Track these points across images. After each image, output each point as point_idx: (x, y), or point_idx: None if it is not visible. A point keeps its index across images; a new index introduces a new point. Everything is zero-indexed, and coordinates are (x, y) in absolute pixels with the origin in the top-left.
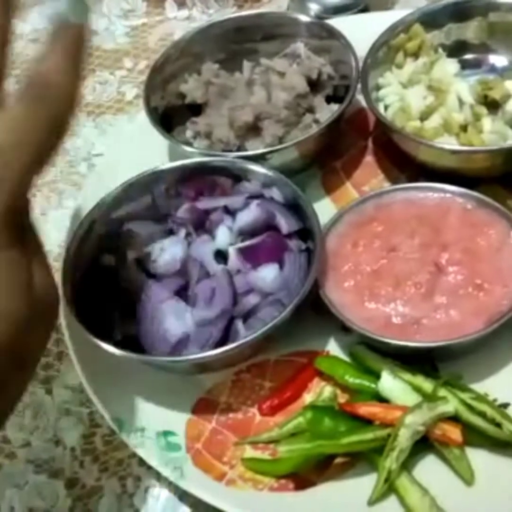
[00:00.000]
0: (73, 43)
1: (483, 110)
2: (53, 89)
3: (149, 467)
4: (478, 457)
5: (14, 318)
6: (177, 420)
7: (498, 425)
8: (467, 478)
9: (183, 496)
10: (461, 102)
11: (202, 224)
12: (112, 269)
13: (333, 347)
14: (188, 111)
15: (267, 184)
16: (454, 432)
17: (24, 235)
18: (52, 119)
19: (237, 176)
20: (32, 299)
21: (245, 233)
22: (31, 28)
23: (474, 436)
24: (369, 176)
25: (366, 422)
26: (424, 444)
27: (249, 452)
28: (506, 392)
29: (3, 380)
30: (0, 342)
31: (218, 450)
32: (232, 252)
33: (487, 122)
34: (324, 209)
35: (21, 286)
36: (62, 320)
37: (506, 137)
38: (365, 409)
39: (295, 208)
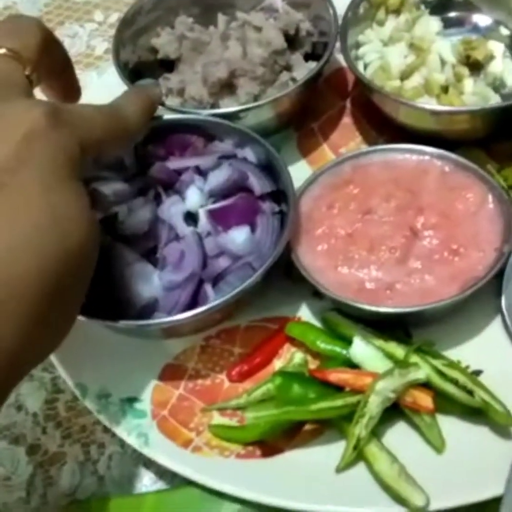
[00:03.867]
0: (148, 97)
1: (465, 70)
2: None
3: (114, 434)
4: (449, 425)
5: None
6: (143, 386)
7: (470, 392)
8: (438, 445)
9: (148, 463)
10: (442, 62)
11: (172, 185)
12: None
13: (305, 313)
14: (160, 67)
15: (241, 144)
16: (425, 399)
17: None
18: (117, 129)
19: (209, 135)
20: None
21: (216, 195)
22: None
23: (446, 404)
24: (346, 138)
25: (337, 388)
26: (394, 411)
27: (217, 419)
28: (479, 359)
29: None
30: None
31: (184, 416)
32: (202, 213)
33: (469, 83)
34: (300, 171)
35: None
36: None
37: (487, 99)
38: (336, 375)
39: (269, 169)
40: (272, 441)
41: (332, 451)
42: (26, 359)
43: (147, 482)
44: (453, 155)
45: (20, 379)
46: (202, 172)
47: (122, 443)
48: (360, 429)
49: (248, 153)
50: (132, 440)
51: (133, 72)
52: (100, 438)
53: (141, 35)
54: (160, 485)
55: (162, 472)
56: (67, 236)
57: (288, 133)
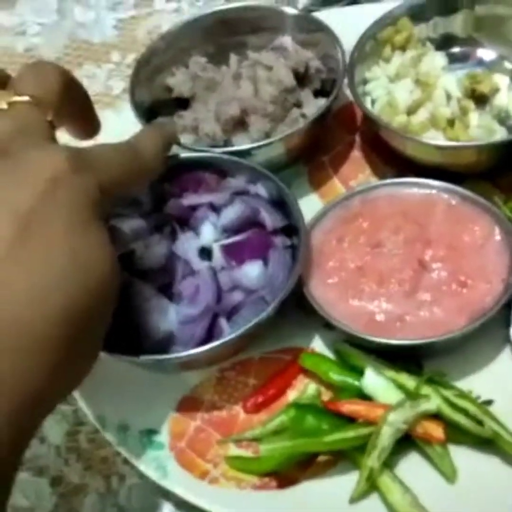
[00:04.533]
0: (164, 134)
1: (470, 104)
2: (140, 154)
3: (133, 466)
4: (460, 455)
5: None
6: (161, 418)
7: (480, 422)
8: (449, 475)
9: (167, 494)
10: (448, 96)
11: (187, 220)
12: None
13: (317, 344)
14: (175, 105)
15: (252, 180)
16: (436, 430)
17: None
18: (135, 168)
19: (222, 172)
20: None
21: (229, 230)
22: (18, 20)
23: (457, 434)
24: (356, 171)
25: (349, 420)
26: (406, 441)
27: (233, 450)
28: (489, 389)
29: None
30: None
31: (201, 448)
32: (216, 249)
33: (475, 117)
34: (311, 205)
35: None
36: None
37: (493, 132)
38: (348, 407)
39: (280, 204)
40: (287, 472)
41: (345, 482)
42: (51, 397)
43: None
44: (459, 188)
45: (47, 415)
46: (215, 208)
47: (141, 475)
48: (372, 460)
49: (260, 189)
50: (151, 472)
51: (149, 111)
52: (121, 469)
53: (157, 75)
54: None
55: (181, 503)
56: (90, 277)
57: (299, 167)
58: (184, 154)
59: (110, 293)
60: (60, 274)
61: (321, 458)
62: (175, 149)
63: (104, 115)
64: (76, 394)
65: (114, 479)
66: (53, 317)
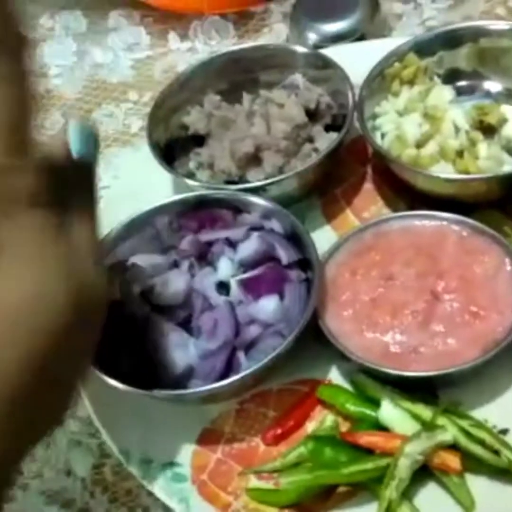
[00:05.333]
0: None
1: (478, 135)
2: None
3: (157, 498)
4: (478, 485)
5: (48, 319)
6: (183, 451)
7: (497, 452)
8: (468, 506)
9: None
10: (456, 129)
11: (204, 256)
12: (118, 302)
13: (334, 375)
14: (191, 142)
15: (267, 216)
16: (453, 461)
17: (67, 198)
18: None
19: (237, 208)
20: (75, 291)
21: (246, 265)
22: (39, 63)
23: (474, 464)
24: (368, 203)
25: (367, 451)
26: (424, 472)
27: (254, 482)
28: (505, 418)
29: (33, 403)
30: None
31: (223, 480)
32: (233, 283)
33: (483, 148)
34: (324, 237)
35: (58, 269)
36: None
37: (502, 162)
38: (365, 439)
39: (295, 238)
40: (307, 504)
41: None
42: (18, 444)
43: None
44: (470, 220)
45: (21, 459)
46: (232, 244)
47: (165, 507)
48: (391, 491)
49: (275, 224)
50: (174, 505)
51: (166, 148)
52: (145, 501)
53: (173, 114)
54: None
55: None
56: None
57: (312, 200)
58: (200, 192)
59: (73, 329)
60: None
61: (340, 489)
62: (192, 187)
63: (122, 153)
64: (100, 427)
65: (139, 511)
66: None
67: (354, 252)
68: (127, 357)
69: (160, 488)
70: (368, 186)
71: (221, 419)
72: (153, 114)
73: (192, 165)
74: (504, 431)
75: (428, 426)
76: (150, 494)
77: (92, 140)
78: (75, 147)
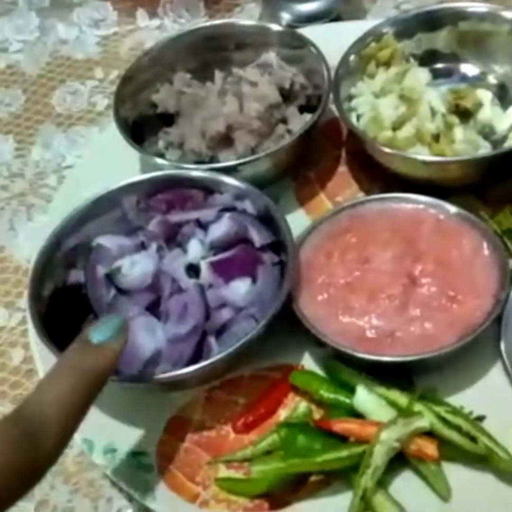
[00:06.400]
0: (84, 373)
1: (454, 119)
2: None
3: (122, 488)
4: (454, 472)
5: None
6: (149, 440)
7: (473, 439)
8: (443, 493)
9: None
10: (433, 112)
11: (173, 238)
12: (82, 285)
13: (307, 361)
14: (160, 121)
15: (240, 197)
16: (430, 448)
17: None
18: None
19: (209, 189)
20: None
21: (217, 247)
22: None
23: (450, 451)
24: (343, 186)
25: (341, 438)
26: (399, 460)
27: (223, 471)
28: (481, 405)
29: None
30: None
31: (191, 470)
32: (204, 266)
33: (459, 132)
34: (297, 220)
35: None
36: (31, 338)
37: (478, 146)
38: (340, 425)
39: (268, 220)
40: (279, 494)
41: (339, 502)
42: None
43: None
44: (447, 204)
45: None
46: (202, 225)
47: (130, 498)
48: (366, 479)
49: (247, 205)
50: (139, 496)
51: (133, 127)
52: (108, 492)
53: (141, 91)
54: None
55: None
56: None
57: (285, 183)
58: (169, 171)
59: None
60: None
61: (314, 478)
62: (161, 166)
63: (88, 132)
64: None
65: (102, 502)
66: None
67: (330, 235)
68: None
69: (125, 478)
70: (342, 169)
71: (190, 406)
72: (120, 90)
73: (161, 144)
74: (481, 418)
75: (404, 413)
76: (114, 484)
77: (116, 330)
78: (96, 336)
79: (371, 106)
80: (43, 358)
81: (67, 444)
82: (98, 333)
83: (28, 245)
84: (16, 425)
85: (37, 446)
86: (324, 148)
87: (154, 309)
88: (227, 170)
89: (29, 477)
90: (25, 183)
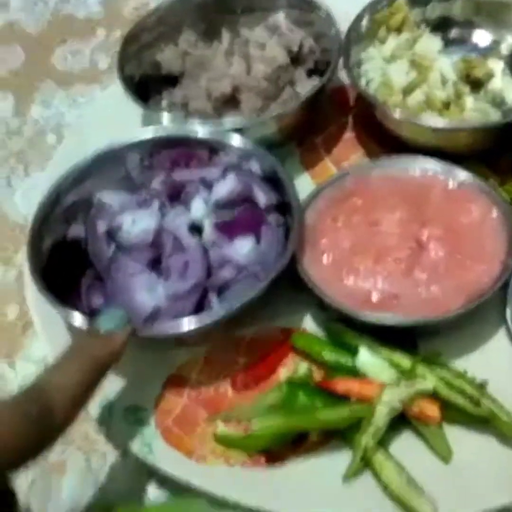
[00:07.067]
0: (93, 359)
1: (465, 88)
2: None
3: (117, 443)
4: (455, 435)
5: None
6: (147, 396)
7: (477, 402)
8: (445, 455)
9: (151, 474)
10: (444, 80)
11: (177, 196)
12: (81, 240)
13: (309, 325)
14: (164, 82)
15: (246, 156)
16: (432, 410)
17: None
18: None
19: (214, 148)
20: None
21: (221, 206)
22: None
23: (452, 414)
24: (349, 153)
25: (343, 399)
26: (401, 421)
27: (221, 428)
28: (485, 370)
29: None
30: None
31: (189, 426)
32: (207, 224)
33: (469, 100)
34: (302, 185)
35: None
36: (27, 293)
37: (488, 115)
38: (342, 385)
39: (274, 181)
40: (278, 451)
41: (338, 461)
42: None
43: (149, 492)
44: (457, 169)
45: None
46: (207, 184)
47: (124, 453)
48: (367, 438)
49: (253, 165)
50: (136, 449)
51: (138, 86)
52: (102, 448)
53: (145, 51)
54: (163, 496)
55: (165, 483)
56: None
57: (291, 148)
58: (175, 129)
59: None
60: None
61: (312, 437)
62: (166, 123)
63: (89, 90)
64: None
65: (95, 456)
66: None
67: (335, 198)
68: (89, 299)
69: (121, 432)
70: (348, 135)
71: (189, 365)
72: (125, 48)
73: (164, 105)
74: (483, 383)
75: (407, 375)
76: (109, 439)
77: (121, 320)
78: (103, 326)
79: (381, 72)
80: (40, 313)
81: (75, 419)
82: (105, 323)
83: (25, 203)
84: (32, 400)
85: (50, 419)
86: (331, 114)
87: (155, 266)
88: (233, 131)
89: (41, 445)
90: (23, 141)
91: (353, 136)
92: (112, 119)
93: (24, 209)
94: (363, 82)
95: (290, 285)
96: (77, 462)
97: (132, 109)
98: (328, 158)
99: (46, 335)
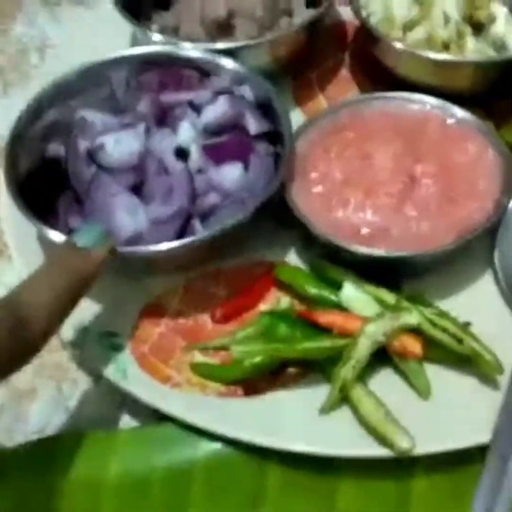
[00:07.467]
0: (74, 271)
1: (467, 28)
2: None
3: (89, 370)
4: (435, 373)
5: None
6: (123, 323)
7: (460, 340)
8: (423, 391)
9: (123, 402)
10: (446, 18)
11: (164, 119)
12: (61, 159)
13: (294, 260)
14: (155, 5)
15: (238, 81)
16: (414, 345)
17: None
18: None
19: (205, 70)
20: None
21: (210, 131)
22: None
23: (434, 352)
24: (343, 90)
25: (324, 332)
26: (381, 357)
27: (199, 358)
28: (468, 312)
29: None
30: None
31: (165, 354)
32: (194, 149)
33: (471, 41)
34: (294, 121)
35: None
36: (2, 212)
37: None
38: (325, 316)
39: (266, 109)
40: (255, 382)
41: (315, 394)
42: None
43: (121, 420)
44: (454, 107)
45: None
46: (196, 107)
47: (97, 380)
48: (347, 371)
49: (246, 91)
50: (110, 374)
51: (127, 9)
52: (74, 375)
53: None
54: (135, 423)
55: (137, 411)
56: None
57: (284, 83)
58: (164, 48)
59: None
60: None
61: (291, 369)
62: (155, 42)
63: (77, 11)
64: None
65: (66, 384)
66: None
67: (328, 130)
68: (67, 219)
69: (95, 356)
70: (344, 72)
71: (167, 295)
72: None
73: (154, 29)
74: (466, 324)
75: (392, 309)
76: (80, 367)
77: (100, 236)
78: (81, 241)
79: (382, 6)
80: (15, 235)
81: (53, 334)
82: (83, 238)
83: (2, 122)
84: (6, 313)
85: (28, 332)
86: (328, 51)
87: (137, 190)
88: (225, 54)
89: (19, 358)
90: (4, 59)
91: (349, 73)
92: (99, 40)
93: (1, 129)
94: (364, 14)
95: (276, 219)
96: (48, 389)
97: (120, 31)
98: (322, 95)
99: (21, 259)
